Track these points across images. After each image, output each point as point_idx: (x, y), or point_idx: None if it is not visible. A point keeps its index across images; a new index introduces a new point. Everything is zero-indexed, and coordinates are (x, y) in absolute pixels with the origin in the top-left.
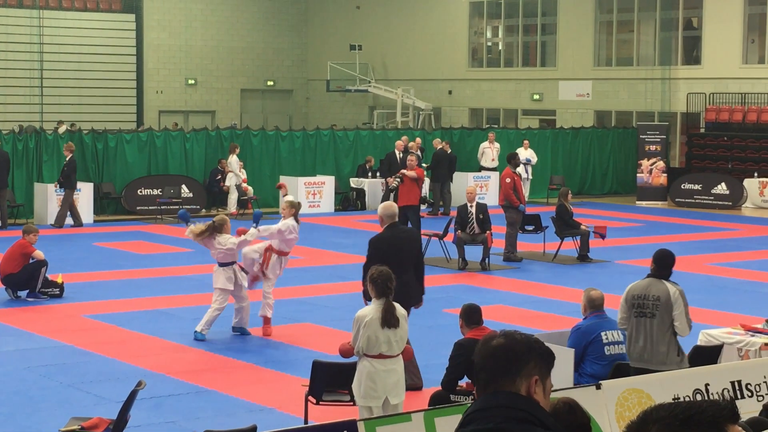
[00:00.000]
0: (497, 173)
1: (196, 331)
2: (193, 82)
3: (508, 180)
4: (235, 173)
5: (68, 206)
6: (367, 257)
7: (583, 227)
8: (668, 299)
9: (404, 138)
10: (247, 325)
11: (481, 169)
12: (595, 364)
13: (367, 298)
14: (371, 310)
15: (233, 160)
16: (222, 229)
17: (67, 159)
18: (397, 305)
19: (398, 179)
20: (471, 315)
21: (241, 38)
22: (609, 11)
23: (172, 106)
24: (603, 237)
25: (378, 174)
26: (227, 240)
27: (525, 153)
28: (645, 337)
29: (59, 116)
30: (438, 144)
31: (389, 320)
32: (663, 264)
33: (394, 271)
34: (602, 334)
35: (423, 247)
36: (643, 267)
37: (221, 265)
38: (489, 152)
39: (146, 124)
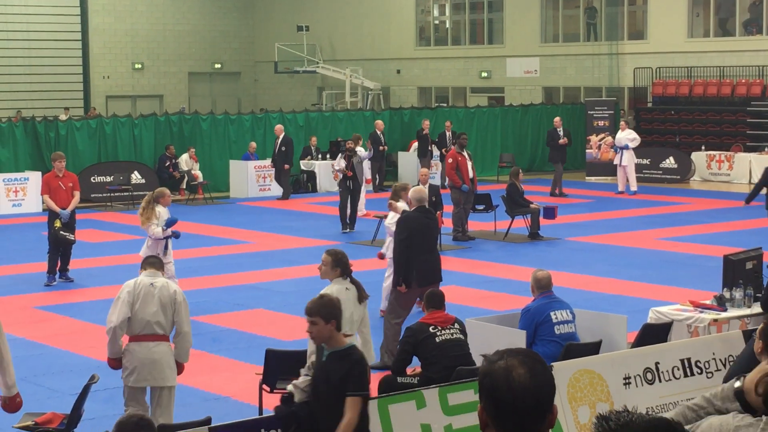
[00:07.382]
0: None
1: None
2: (140, 66)
3: (450, 160)
4: (186, 165)
5: None
6: (397, 236)
7: (533, 206)
8: None
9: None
10: None
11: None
12: (547, 344)
13: (399, 285)
14: (337, 291)
15: (183, 158)
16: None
17: None
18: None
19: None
20: (429, 299)
21: (187, 21)
22: None
23: (119, 91)
24: (553, 217)
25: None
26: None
27: None
28: None
29: (8, 104)
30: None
31: (362, 296)
32: None
33: (421, 249)
34: (552, 314)
35: (376, 229)
36: (594, 244)
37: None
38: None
39: (95, 110)
